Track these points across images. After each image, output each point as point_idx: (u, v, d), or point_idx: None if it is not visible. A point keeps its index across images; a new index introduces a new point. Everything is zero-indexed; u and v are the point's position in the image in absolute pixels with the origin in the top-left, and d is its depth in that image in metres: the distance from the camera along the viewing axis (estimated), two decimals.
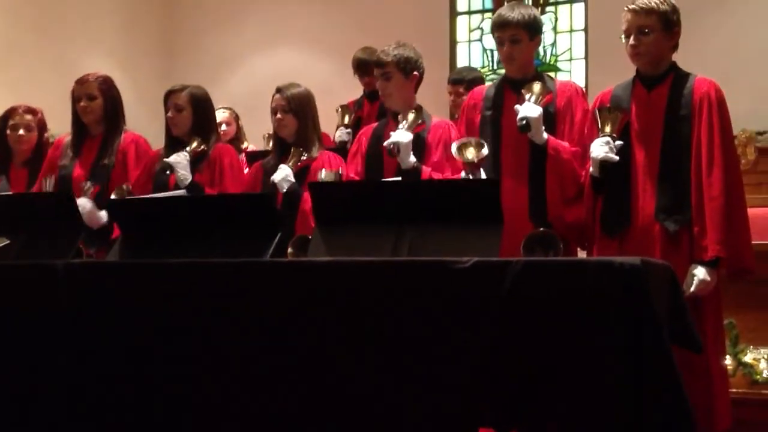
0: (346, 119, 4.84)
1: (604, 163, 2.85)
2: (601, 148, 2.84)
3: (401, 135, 3.17)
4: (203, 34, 8.14)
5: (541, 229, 2.57)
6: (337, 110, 4.91)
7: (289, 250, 2.60)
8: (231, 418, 2.12)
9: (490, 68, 7.52)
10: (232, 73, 7.99)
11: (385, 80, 3.41)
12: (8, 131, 3.95)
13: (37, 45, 6.89)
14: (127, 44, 7.82)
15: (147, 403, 2.20)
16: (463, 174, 2.99)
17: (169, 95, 3.61)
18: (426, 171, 3.22)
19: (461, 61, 7.60)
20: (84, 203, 3.41)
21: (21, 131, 3.93)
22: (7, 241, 2.40)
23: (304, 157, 3.40)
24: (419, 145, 3.24)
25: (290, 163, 3.37)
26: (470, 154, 2.82)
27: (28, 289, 2.36)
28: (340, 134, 4.73)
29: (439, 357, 1.95)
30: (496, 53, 3.36)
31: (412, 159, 3.18)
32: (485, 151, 2.92)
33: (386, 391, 1.99)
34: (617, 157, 2.84)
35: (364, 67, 4.97)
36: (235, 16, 8.04)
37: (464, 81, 4.83)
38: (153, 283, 2.25)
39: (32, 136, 3.97)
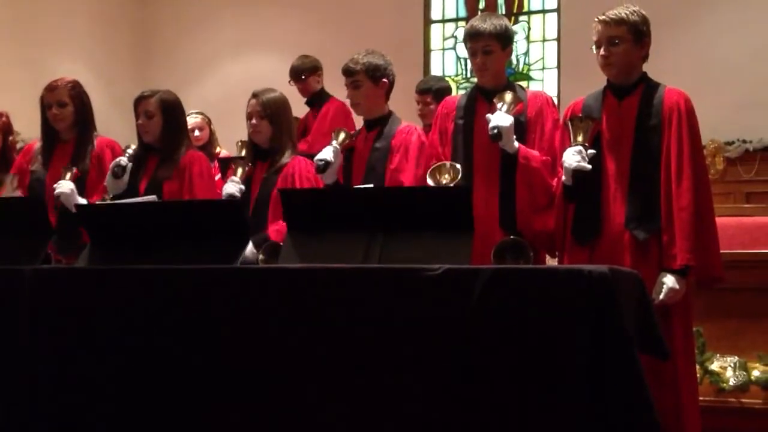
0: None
1: (576, 172, 2.87)
2: (573, 157, 2.87)
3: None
4: (178, 38, 8.12)
5: (512, 237, 2.58)
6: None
7: (260, 256, 2.59)
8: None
9: (464, 76, 7.57)
10: (207, 78, 7.98)
11: (354, 88, 3.43)
12: None
13: (7, 46, 6.82)
14: (101, 47, 7.77)
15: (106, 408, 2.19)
16: None
17: (140, 101, 3.56)
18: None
19: (435, 69, 7.64)
20: (65, 184, 3.45)
21: None
22: None
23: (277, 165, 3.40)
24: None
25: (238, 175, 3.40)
26: (445, 179, 2.81)
27: None
28: None
29: (407, 364, 1.95)
30: (469, 62, 3.40)
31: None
32: (459, 175, 2.85)
33: (353, 396, 2.00)
34: (590, 166, 2.86)
35: (294, 74, 5.30)
36: (210, 20, 8.02)
37: (431, 90, 4.91)
38: (121, 289, 2.24)
39: None
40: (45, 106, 3.68)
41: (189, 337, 2.15)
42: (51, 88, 3.67)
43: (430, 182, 2.79)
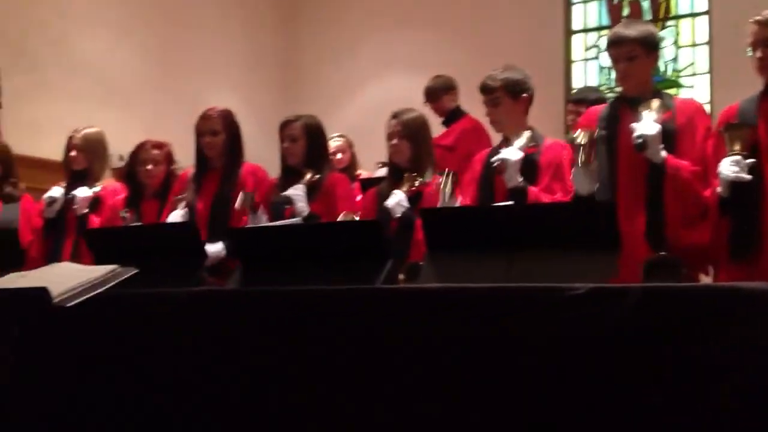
0: None
1: (734, 184, 2.71)
2: (730, 168, 2.71)
3: (510, 153, 3.14)
4: (321, 65, 8.35)
5: (661, 253, 2.47)
6: None
7: (401, 276, 2.60)
8: None
9: (608, 87, 7.36)
10: (348, 102, 8.15)
11: (493, 106, 3.38)
12: (138, 166, 4.13)
13: (165, 82, 7.25)
14: (249, 77, 8.12)
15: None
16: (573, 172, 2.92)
17: (284, 126, 3.69)
18: (533, 192, 3.16)
19: (577, 81, 7.47)
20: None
21: (149, 166, 4.09)
22: (136, 270, 2.50)
23: (418, 183, 3.40)
24: (531, 167, 3.19)
25: (404, 188, 3.38)
26: (581, 137, 2.76)
27: (153, 317, 2.46)
28: None
29: (551, 384, 1.90)
30: (613, 71, 3.30)
31: (519, 178, 3.12)
32: (596, 133, 2.83)
33: (495, 415, 1.96)
34: (749, 177, 2.70)
35: (430, 95, 5.28)
36: (351, 46, 8.21)
37: (587, 101, 4.75)
38: (268, 310, 2.30)
39: (160, 170, 4.11)
40: (198, 134, 3.83)
41: (335, 356, 2.18)
42: (204, 117, 3.82)
43: (568, 141, 2.76)
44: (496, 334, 1.98)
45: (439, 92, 5.34)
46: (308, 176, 3.57)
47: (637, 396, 1.82)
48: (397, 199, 3.32)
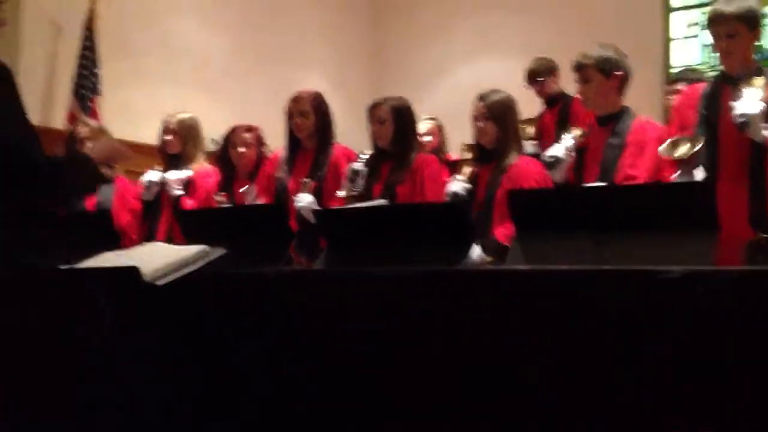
0: (531, 131, 4.80)
1: None
2: None
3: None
4: (410, 48, 8.32)
5: (765, 235, 2.35)
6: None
7: (487, 258, 2.55)
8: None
9: (710, 66, 7.07)
10: (438, 84, 8.10)
11: (584, 83, 3.30)
12: (230, 149, 4.23)
13: (256, 67, 7.37)
14: (338, 61, 8.16)
15: (348, 413, 2.24)
16: (676, 175, 2.81)
17: (373, 108, 3.70)
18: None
19: (676, 60, 7.22)
20: (304, 197, 3.66)
21: (241, 149, 4.18)
22: (225, 251, 2.54)
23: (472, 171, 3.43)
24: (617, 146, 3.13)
25: (460, 176, 3.42)
26: (681, 150, 2.61)
27: (242, 297, 2.49)
28: (527, 147, 4.66)
29: (646, 370, 1.82)
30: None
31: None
32: (699, 145, 2.68)
33: (596, 400, 1.90)
34: None
35: (532, 76, 5.16)
36: (440, 28, 8.14)
37: (687, 81, 4.58)
38: (355, 291, 2.30)
39: (251, 152, 4.21)
40: (289, 115, 3.90)
41: (419, 339, 2.16)
42: (295, 99, 3.89)
43: (665, 155, 2.63)
44: (586, 319, 1.92)
45: (542, 74, 5.19)
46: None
47: (736, 382, 1.74)
48: (457, 187, 3.36)
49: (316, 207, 3.60)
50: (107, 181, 4.33)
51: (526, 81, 5.18)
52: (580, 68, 3.31)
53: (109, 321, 2.31)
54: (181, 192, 4.19)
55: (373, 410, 2.21)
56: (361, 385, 2.24)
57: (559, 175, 3.21)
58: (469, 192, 3.37)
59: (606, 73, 3.27)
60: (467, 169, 3.43)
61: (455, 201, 3.28)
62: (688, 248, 2.00)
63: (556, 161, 3.17)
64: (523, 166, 3.34)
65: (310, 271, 2.81)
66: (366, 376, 2.22)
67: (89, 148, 2.05)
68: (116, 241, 3.09)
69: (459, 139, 5.44)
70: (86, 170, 2.28)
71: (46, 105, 5.89)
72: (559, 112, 5.05)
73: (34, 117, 1.94)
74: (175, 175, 4.21)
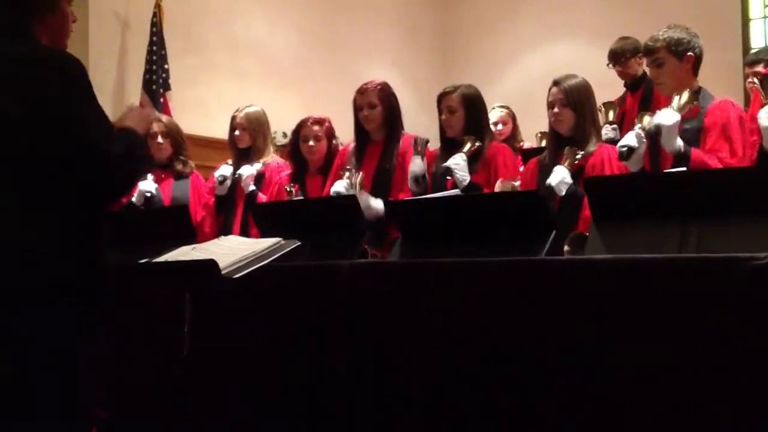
0: (611, 116, 4.63)
1: None
2: None
3: (666, 116, 2.96)
4: (478, 37, 8.24)
5: None
6: (600, 109, 4.72)
7: (566, 248, 2.50)
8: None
9: None
10: (507, 72, 8.00)
11: (657, 67, 3.19)
12: (301, 142, 4.22)
13: (324, 59, 7.39)
14: (407, 51, 8.13)
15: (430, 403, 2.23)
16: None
17: (442, 97, 3.64)
18: (696, 154, 2.97)
19: (756, 41, 6.97)
20: (339, 184, 3.59)
21: (311, 142, 4.17)
22: (299, 243, 2.55)
23: (579, 156, 3.23)
24: (693, 129, 3.01)
25: (566, 164, 3.22)
26: None
27: (315, 289, 2.50)
28: (606, 132, 4.52)
29: (733, 361, 1.76)
30: None
31: (679, 143, 2.93)
32: None
33: (668, 392, 1.84)
34: None
35: (613, 57, 4.87)
36: (508, 15, 8.04)
37: (764, 62, 4.41)
38: (431, 281, 2.28)
39: (321, 145, 4.18)
40: (357, 108, 3.87)
41: (495, 329, 2.13)
42: (362, 91, 3.85)
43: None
44: (671, 308, 1.86)
45: (627, 54, 5.01)
46: (468, 145, 3.51)
47: None
48: (561, 177, 3.16)
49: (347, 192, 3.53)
50: (183, 176, 4.40)
51: (609, 61, 4.99)
52: (650, 52, 3.20)
53: (189, 313, 2.35)
54: (254, 188, 4.22)
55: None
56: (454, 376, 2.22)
57: (634, 165, 3.09)
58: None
59: (679, 55, 3.16)
60: (569, 160, 3.25)
61: (570, 192, 3.12)
62: None
63: (628, 150, 3.04)
64: (605, 154, 3.23)
65: (382, 263, 2.79)
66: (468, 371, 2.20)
67: (125, 123, 2.04)
68: (193, 236, 3.13)
69: (530, 128, 5.34)
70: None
71: (116, 101, 5.98)
72: (641, 96, 4.87)
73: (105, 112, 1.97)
74: (248, 171, 4.24)
